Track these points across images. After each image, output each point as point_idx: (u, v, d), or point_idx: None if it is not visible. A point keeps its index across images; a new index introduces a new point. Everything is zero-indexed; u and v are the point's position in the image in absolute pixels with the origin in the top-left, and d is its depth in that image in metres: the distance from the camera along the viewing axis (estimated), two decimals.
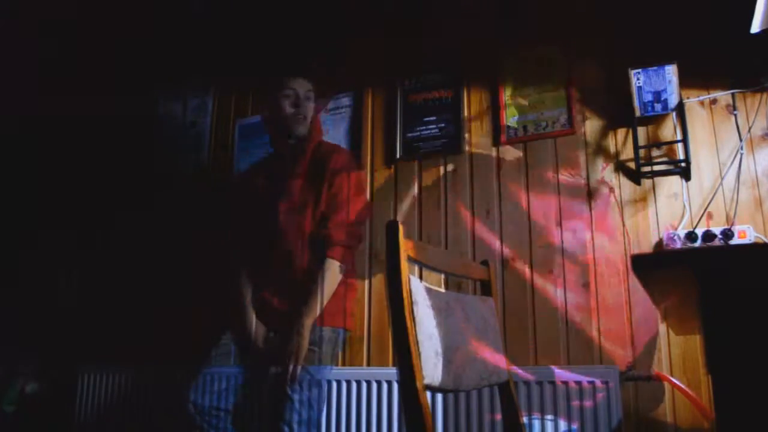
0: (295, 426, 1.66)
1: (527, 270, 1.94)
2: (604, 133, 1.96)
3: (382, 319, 2.08)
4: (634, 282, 1.79)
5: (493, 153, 2.10)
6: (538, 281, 1.92)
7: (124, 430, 2.25)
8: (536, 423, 1.68)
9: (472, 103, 2.18)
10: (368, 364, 2.05)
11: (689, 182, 1.81)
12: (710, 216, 1.75)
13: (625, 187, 1.89)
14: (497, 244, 2.00)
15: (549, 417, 1.68)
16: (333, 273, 1.80)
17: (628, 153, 1.90)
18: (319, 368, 1.76)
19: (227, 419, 1.76)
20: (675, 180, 1.84)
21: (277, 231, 1.87)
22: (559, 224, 1.94)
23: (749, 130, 1.77)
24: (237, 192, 2.08)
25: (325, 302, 1.77)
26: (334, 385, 1.95)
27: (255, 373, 1.81)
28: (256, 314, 1.86)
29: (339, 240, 1.81)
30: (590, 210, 1.91)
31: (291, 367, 1.69)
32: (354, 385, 1.92)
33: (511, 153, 2.07)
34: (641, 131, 1.89)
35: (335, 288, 1.81)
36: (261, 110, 2.26)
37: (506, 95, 2.12)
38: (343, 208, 1.86)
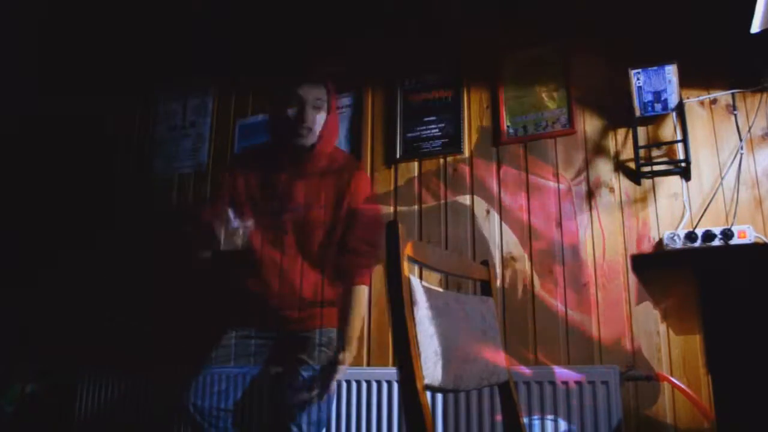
0: (305, 426, 1.66)
1: (527, 270, 1.94)
2: (604, 133, 1.96)
3: (382, 319, 2.08)
4: (634, 282, 1.79)
5: (493, 153, 2.10)
6: (538, 281, 1.92)
7: (124, 430, 2.25)
8: (536, 423, 1.68)
9: (472, 103, 2.18)
10: (368, 364, 2.05)
11: (689, 182, 1.81)
12: (710, 216, 1.75)
13: (625, 187, 1.89)
14: (497, 244, 2.00)
15: (549, 417, 1.68)
16: (364, 299, 1.79)
17: (628, 153, 1.90)
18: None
19: (228, 419, 1.76)
20: (675, 180, 1.84)
21: (287, 246, 1.81)
22: (559, 224, 1.94)
23: (749, 130, 1.77)
24: (231, 181, 1.90)
25: (357, 329, 1.74)
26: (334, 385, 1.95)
27: (269, 374, 1.80)
28: (258, 319, 1.83)
29: (368, 266, 1.80)
30: (590, 210, 1.91)
31: (315, 393, 1.65)
32: (354, 385, 1.92)
33: (511, 153, 2.07)
34: (641, 131, 1.89)
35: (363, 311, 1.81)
36: (266, 111, 2.20)
37: (506, 95, 2.12)
38: (369, 234, 1.80)
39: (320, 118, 1.83)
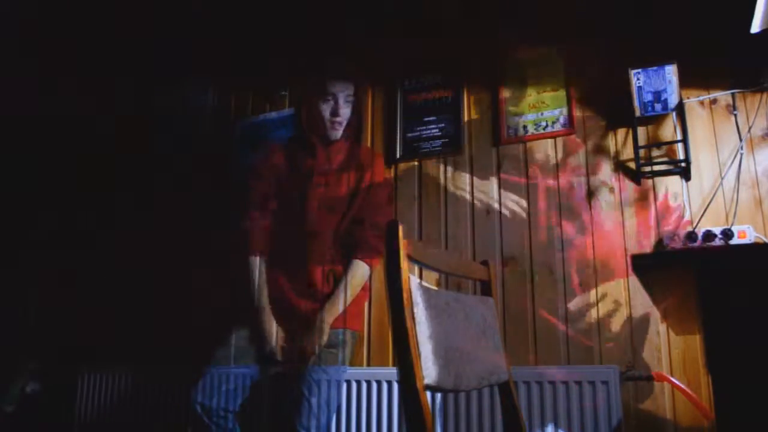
0: (314, 431, 1.65)
1: (527, 270, 1.94)
2: (604, 133, 1.96)
3: (382, 319, 2.08)
4: (634, 282, 1.79)
5: (493, 153, 2.10)
6: (538, 281, 1.92)
7: (125, 430, 2.25)
8: (537, 423, 1.68)
9: (472, 103, 2.18)
10: (368, 364, 2.05)
11: (689, 182, 1.81)
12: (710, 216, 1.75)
13: (625, 187, 1.89)
14: (497, 244, 2.00)
15: (549, 413, 1.68)
16: (362, 275, 1.83)
17: (628, 153, 1.90)
18: (337, 370, 1.76)
19: (232, 420, 1.76)
20: (675, 180, 1.84)
21: (307, 228, 1.84)
22: (559, 224, 1.94)
23: (749, 130, 1.77)
24: (257, 174, 1.97)
25: (348, 303, 1.79)
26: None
27: (270, 373, 1.80)
28: (277, 315, 1.81)
29: (374, 246, 1.82)
30: (590, 210, 1.91)
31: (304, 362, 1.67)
32: (354, 385, 1.92)
33: (511, 153, 2.07)
34: (641, 131, 1.89)
35: (359, 290, 1.83)
36: (295, 103, 2.25)
37: (506, 95, 2.12)
38: (379, 216, 1.87)
39: (348, 112, 1.93)
